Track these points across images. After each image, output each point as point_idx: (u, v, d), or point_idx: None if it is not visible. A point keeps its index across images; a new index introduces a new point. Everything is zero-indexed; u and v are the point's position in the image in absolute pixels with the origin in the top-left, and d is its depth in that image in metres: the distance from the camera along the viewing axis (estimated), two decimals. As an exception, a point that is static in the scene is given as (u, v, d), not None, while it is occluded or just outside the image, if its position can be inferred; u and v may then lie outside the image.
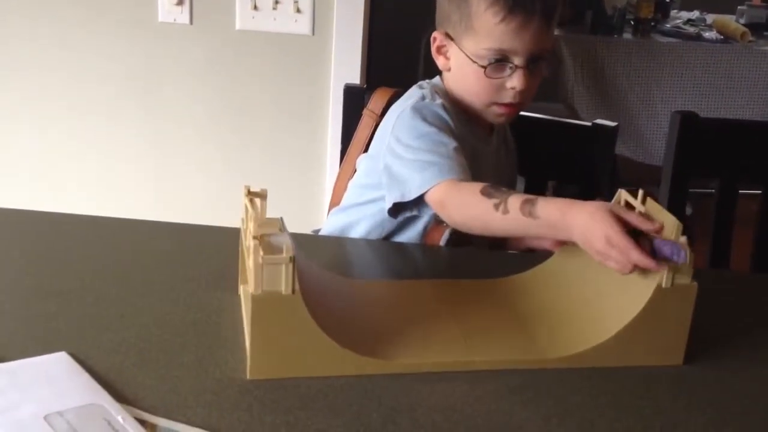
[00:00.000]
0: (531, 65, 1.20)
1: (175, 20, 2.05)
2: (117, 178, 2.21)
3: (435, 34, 1.27)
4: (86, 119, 2.16)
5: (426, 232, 1.27)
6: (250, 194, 0.91)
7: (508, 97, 1.22)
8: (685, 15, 3.72)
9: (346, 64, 2.05)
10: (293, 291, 0.82)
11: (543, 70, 1.23)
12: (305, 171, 2.16)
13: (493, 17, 1.16)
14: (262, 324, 0.83)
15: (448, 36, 1.24)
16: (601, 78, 3.16)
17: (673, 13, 3.71)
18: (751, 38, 3.29)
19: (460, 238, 1.27)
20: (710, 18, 3.62)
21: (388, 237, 1.29)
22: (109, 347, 0.88)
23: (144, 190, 2.22)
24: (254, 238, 0.84)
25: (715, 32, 3.35)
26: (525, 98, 1.23)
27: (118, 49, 2.10)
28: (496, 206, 1.02)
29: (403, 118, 1.20)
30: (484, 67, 1.19)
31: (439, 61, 1.28)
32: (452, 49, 1.24)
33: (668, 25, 3.44)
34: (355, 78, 2.04)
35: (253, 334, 0.84)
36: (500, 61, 1.19)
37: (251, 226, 0.87)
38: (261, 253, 0.81)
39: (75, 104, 2.15)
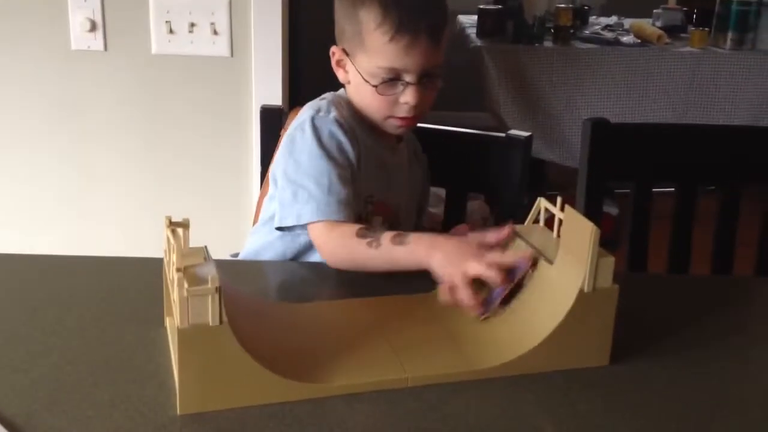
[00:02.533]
0: (424, 80, 1.22)
1: (89, 47, 2.01)
2: (33, 209, 2.16)
3: (333, 48, 1.29)
4: (3, 150, 2.10)
5: None
6: (172, 225, 0.88)
7: (402, 111, 1.24)
8: (604, 21, 3.81)
9: (267, 85, 2.03)
10: (221, 321, 0.80)
11: (437, 84, 1.25)
12: (230, 193, 2.14)
13: (382, 36, 1.19)
14: (191, 357, 0.81)
15: (344, 51, 1.26)
16: (525, 86, 3.20)
17: (592, 19, 3.80)
18: (667, 40, 3.38)
19: None
20: (627, 22, 3.71)
21: (303, 252, 1.29)
22: (18, 389, 0.85)
23: (62, 221, 2.17)
24: (178, 270, 0.81)
25: (632, 36, 3.43)
26: (421, 111, 1.26)
27: (33, 79, 2.05)
28: (370, 244, 1.09)
29: (300, 133, 1.22)
30: (375, 86, 1.22)
31: (339, 75, 1.31)
32: (349, 64, 1.27)
33: (587, 32, 3.51)
34: (277, 98, 2.02)
35: (182, 368, 0.81)
36: (393, 79, 1.21)
37: (174, 257, 0.84)
38: (186, 285, 0.79)
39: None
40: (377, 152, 1.30)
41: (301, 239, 1.27)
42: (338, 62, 1.29)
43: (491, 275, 0.95)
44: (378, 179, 1.30)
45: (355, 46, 1.23)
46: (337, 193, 1.17)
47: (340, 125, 1.22)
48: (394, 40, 1.18)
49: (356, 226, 1.13)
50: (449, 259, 1.00)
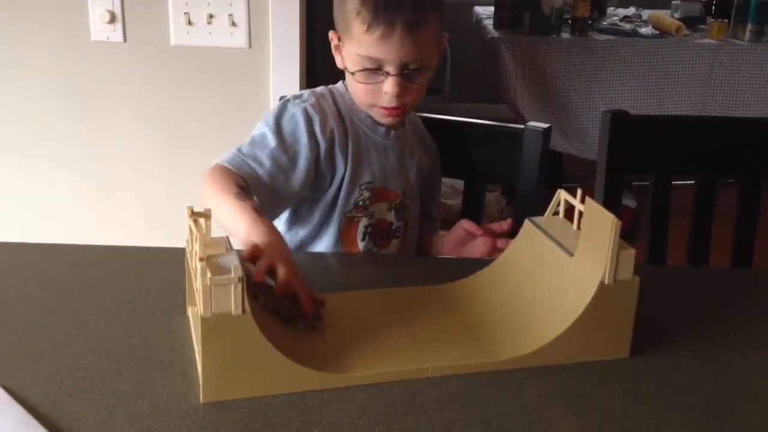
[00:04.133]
0: (406, 72, 1.23)
1: (108, 38, 2.02)
2: (55, 199, 2.17)
3: (331, 33, 1.30)
4: (23, 141, 2.12)
5: (341, 231, 1.30)
6: (194, 215, 0.90)
7: (385, 101, 1.26)
8: (622, 12, 3.78)
9: (285, 76, 2.03)
10: (243, 311, 0.81)
11: (423, 79, 1.25)
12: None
13: (360, 25, 1.20)
14: (214, 346, 0.82)
15: (339, 37, 1.28)
16: (542, 78, 3.19)
17: (610, 10, 3.77)
18: (686, 32, 3.35)
19: (376, 232, 1.33)
20: (646, 14, 3.68)
21: (304, 242, 1.32)
22: (43, 378, 0.86)
23: (83, 212, 2.18)
24: (201, 259, 0.82)
25: (650, 28, 3.40)
26: (407, 102, 1.27)
27: (53, 70, 2.06)
28: (236, 195, 1.09)
29: (276, 106, 1.29)
30: (353, 73, 1.25)
31: (337, 60, 1.32)
32: (342, 50, 1.28)
33: (605, 23, 3.49)
34: (295, 89, 2.02)
35: (205, 357, 0.82)
36: (374, 68, 1.23)
37: (197, 247, 0.85)
38: (209, 274, 0.79)
39: (10, 126, 2.10)
40: (375, 139, 1.32)
41: (300, 234, 1.31)
42: (336, 48, 1.31)
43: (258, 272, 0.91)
44: (377, 166, 1.32)
45: (343, 32, 1.25)
46: (258, 161, 1.21)
47: (307, 115, 1.25)
48: (370, 30, 1.19)
49: (238, 180, 1.14)
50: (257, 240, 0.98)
